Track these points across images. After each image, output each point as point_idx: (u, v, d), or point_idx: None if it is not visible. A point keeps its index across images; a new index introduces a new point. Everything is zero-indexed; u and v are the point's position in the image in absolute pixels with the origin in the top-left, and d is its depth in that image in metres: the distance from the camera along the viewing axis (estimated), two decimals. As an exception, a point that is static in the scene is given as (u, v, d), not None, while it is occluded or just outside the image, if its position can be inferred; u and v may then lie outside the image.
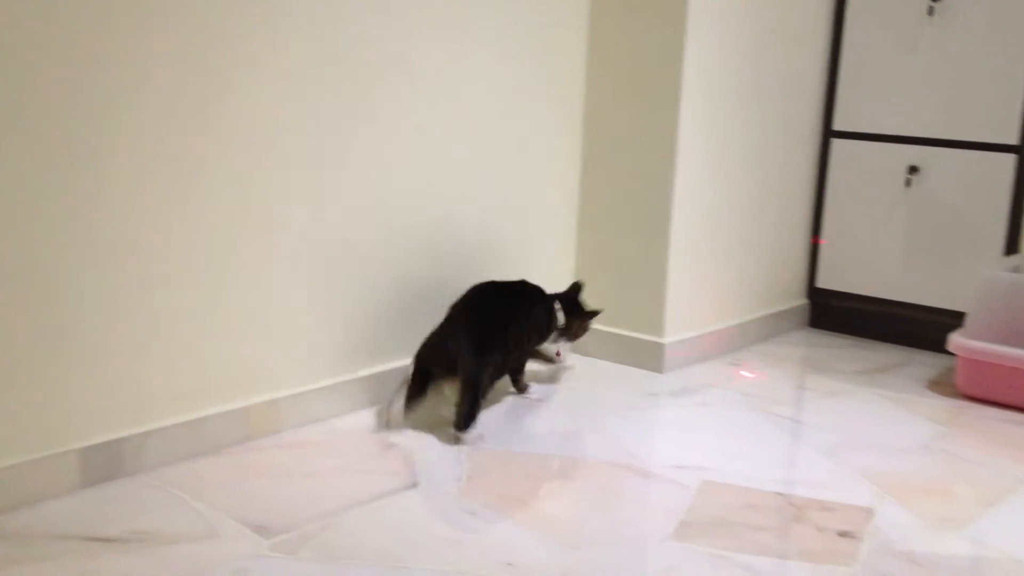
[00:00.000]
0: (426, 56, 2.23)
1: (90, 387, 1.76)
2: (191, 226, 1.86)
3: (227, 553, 1.57)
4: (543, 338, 2.36)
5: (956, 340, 2.48)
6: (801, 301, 3.12)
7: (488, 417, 2.23)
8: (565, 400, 2.36)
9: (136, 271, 1.79)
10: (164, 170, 1.80)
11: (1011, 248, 2.76)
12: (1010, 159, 2.74)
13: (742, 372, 2.45)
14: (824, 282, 3.09)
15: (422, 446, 2.03)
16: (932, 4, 2.81)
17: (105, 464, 1.79)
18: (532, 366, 2.44)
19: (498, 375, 2.20)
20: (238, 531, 1.64)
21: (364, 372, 2.22)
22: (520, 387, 2.38)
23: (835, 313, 3.10)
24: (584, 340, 2.50)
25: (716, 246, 2.73)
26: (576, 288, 2.43)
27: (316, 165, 2.05)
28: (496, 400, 2.33)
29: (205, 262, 1.90)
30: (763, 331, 2.96)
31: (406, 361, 2.29)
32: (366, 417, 2.17)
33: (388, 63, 2.15)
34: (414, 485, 1.85)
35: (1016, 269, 2.62)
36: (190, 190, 1.85)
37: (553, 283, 2.59)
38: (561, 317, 2.36)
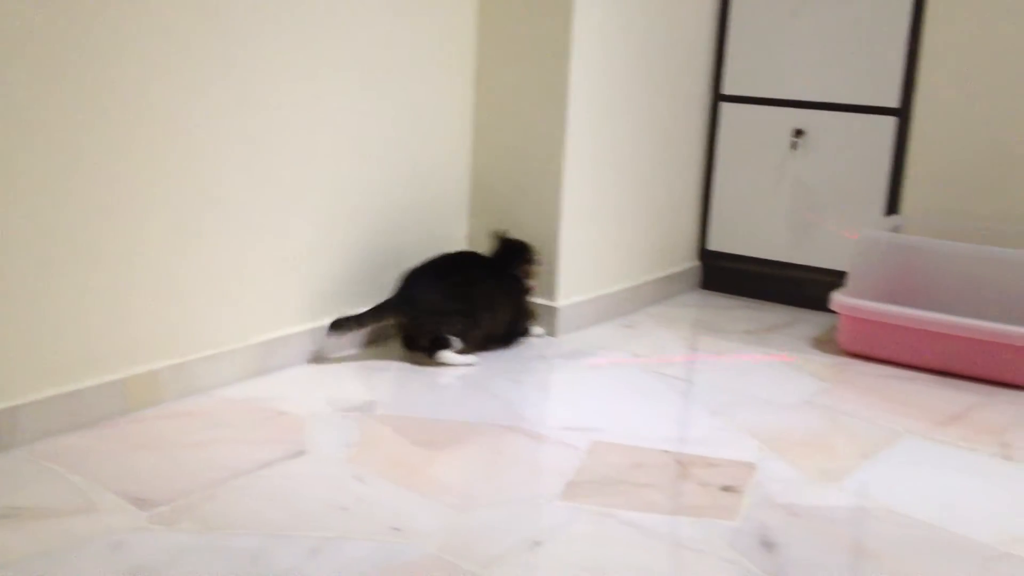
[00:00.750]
0: (312, 16, 2.19)
1: (-42, 360, 1.70)
2: (66, 194, 1.80)
3: (104, 526, 1.53)
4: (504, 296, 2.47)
5: (838, 299, 2.54)
6: (693, 263, 3.16)
7: (379, 383, 2.22)
8: (455, 370, 2.35)
9: (8, 240, 1.73)
10: (40, 142, 1.74)
11: (891, 209, 2.83)
12: (891, 122, 2.80)
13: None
14: (715, 244, 3.14)
15: (311, 413, 2.01)
16: (816, -31, 2.86)
17: (-24, 440, 1.73)
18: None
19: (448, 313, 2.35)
20: (116, 504, 1.60)
21: (253, 340, 2.18)
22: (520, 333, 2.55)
23: (726, 275, 3.15)
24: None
25: (608, 210, 2.75)
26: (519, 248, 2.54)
27: (196, 144, 2.00)
28: (386, 367, 2.32)
29: (81, 230, 1.84)
30: (656, 293, 2.99)
31: (294, 329, 2.27)
32: (253, 386, 2.14)
33: (277, 22, 2.10)
34: (301, 453, 1.83)
35: (896, 229, 2.69)
36: (68, 161, 1.79)
37: (447, 248, 2.58)
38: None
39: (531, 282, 2.52)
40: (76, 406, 1.86)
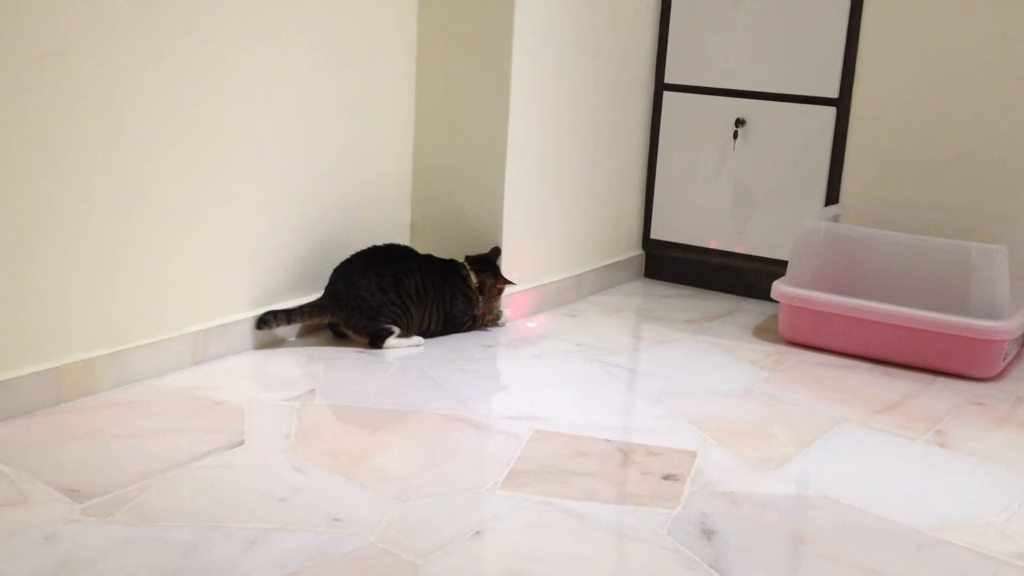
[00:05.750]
0: (252, 3, 2.15)
1: None
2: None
3: (37, 518, 1.50)
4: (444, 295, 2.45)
5: (778, 288, 2.56)
6: (636, 252, 3.17)
7: (319, 371, 2.20)
8: (402, 354, 2.34)
9: (-69, 225, 1.69)
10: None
11: (831, 198, 2.86)
12: (830, 112, 2.83)
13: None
14: (658, 233, 3.15)
15: (249, 403, 1.98)
16: (759, -41, 2.88)
17: (-98, 431, 1.68)
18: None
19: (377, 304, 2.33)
20: (49, 495, 1.57)
21: (190, 328, 2.14)
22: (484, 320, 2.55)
23: (669, 263, 3.16)
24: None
25: (552, 199, 2.74)
26: (494, 252, 2.55)
27: (132, 130, 1.96)
28: (327, 354, 2.30)
29: (14, 217, 1.79)
30: (599, 282, 3.00)
31: (232, 317, 2.24)
32: (191, 375, 2.11)
33: (216, 9, 2.07)
34: (240, 443, 1.81)
35: (835, 219, 2.72)
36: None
37: (390, 236, 2.57)
38: (473, 277, 2.47)
39: (491, 298, 2.52)
40: (8, 395, 1.82)
